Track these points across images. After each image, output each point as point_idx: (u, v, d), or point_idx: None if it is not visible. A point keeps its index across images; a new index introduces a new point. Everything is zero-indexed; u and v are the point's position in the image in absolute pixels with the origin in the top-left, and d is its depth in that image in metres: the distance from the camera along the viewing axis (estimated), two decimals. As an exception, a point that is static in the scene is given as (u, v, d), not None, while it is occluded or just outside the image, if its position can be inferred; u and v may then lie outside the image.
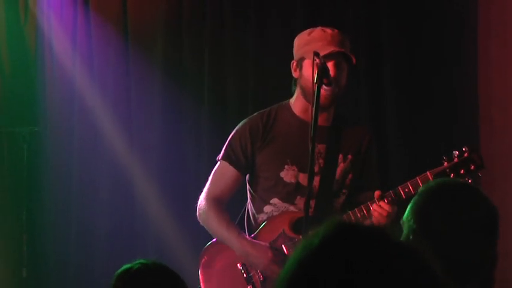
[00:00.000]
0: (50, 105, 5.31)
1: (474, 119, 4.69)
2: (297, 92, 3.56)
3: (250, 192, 3.65)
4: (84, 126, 5.23)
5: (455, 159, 3.30)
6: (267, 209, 3.56)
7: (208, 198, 3.61)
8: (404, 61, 4.78)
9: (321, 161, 3.52)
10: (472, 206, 2.10)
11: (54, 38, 5.30)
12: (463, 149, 3.31)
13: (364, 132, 3.65)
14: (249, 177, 3.63)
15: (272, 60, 4.88)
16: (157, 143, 5.14)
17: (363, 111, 4.80)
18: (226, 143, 3.63)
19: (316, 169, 3.44)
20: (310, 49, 3.37)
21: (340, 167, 3.55)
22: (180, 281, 2.41)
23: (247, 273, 3.51)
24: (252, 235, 3.57)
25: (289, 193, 3.51)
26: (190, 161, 5.07)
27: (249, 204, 3.66)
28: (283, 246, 3.49)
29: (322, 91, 3.27)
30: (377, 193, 3.31)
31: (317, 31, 3.48)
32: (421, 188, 2.20)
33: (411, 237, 2.07)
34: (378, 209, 3.28)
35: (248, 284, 3.52)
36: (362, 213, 3.35)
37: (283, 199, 3.53)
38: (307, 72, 3.41)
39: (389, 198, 3.29)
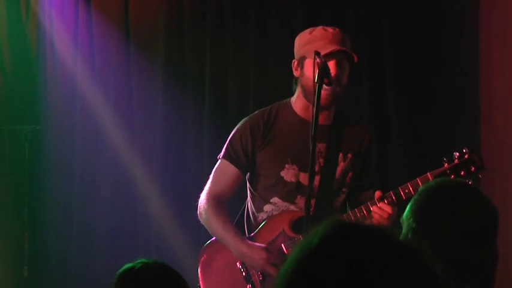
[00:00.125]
0: (52, 103, 5.32)
1: (475, 119, 4.69)
2: (298, 91, 3.55)
3: (250, 190, 3.65)
4: (86, 125, 5.24)
5: (456, 161, 3.30)
6: (267, 208, 3.56)
7: (209, 197, 3.61)
8: (405, 61, 4.78)
9: (321, 160, 3.51)
10: (472, 206, 2.10)
11: (55, 37, 5.31)
12: (464, 150, 3.30)
13: (364, 132, 3.64)
14: (250, 175, 3.63)
15: (272, 60, 4.88)
16: (158, 142, 5.15)
17: (364, 111, 4.80)
18: (227, 142, 3.63)
19: (316, 168, 3.43)
20: (311, 48, 3.37)
21: (341, 166, 3.55)
22: (181, 280, 2.42)
23: (247, 272, 3.51)
24: (252, 234, 3.57)
25: (289, 192, 3.52)
26: (191, 160, 5.07)
27: (249, 202, 3.66)
28: (282, 245, 3.49)
29: (322, 90, 3.27)
30: (377, 194, 3.31)
31: (318, 30, 3.48)
32: (421, 187, 2.20)
33: (410, 236, 2.07)
34: (378, 211, 3.28)
35: (247, 283, 3.52)
36: (362, 214, 3.35)
37: (283, 198, 3.53)
38: (308, 71, 3.41)
39: (390, 199, 3.28)
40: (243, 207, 3.70)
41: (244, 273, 3.52)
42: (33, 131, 5.24)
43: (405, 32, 4.77)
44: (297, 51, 3.53)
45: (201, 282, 3.63)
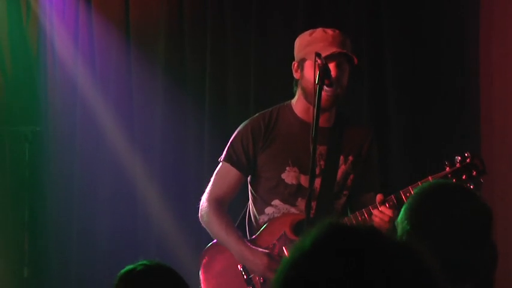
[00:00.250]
0: (52, 104, 5.31)
1: (475, 120, 4.69)
2: (298, 93, 3.55)
3: (251, 193, 3.64)
4: (86, 126, 5.23)
5: (458, 165, 3.30)
6: (268, 210, 3.56)
7: (210, 199, 3.60)
8: (406, 62, 4.77)
9: (322, 162, 3.51)
10: (465, 207, 2.11)
11: (56, 38, 5.30)
12: (466, 154, 3.31)
13: (365, 134, 3.64)
14: (251, 178, 3.63)
15: (273, 60, 4.88)
16: (158, 143, 5.14)
17: (364, 111, 4.80)
18: (228, 144, 3.62)
19: (317, 171, 3.43)
20: (311, 50, 3.37)
21: (341, 168, 3.55)
22: (182, 283, 2.42)
23: (248, 274, 3.51)
24: (253, 237, 3.57)
25: (290, 194, 3.52)
26: (191, 161, 5.07)
27: (251, 205, 3.66)
28: (283, 248, 3.48)
29: (323, 92, 3.27)
30: (379, 197, 3.31)
31: (318, 32, 3.48)
32: (414, 190, 2.21)
33: (405, 238, 2.07)
34: (379, 214, 3.28)
35: (248, 286, 3.51)
36: (363, 217, 3.35)
37: (284, 200, 3.53)
38: (308, 73, 3.41)
39: (391, 203, 3.29)
40: (244, 210, 3.70)
41: (245, 276, 3.52)
42: (33, 132, 5.24)
43: (406, 33, 4.77)
44: (297, 53, 3.53)
45: (202, 284, 3.63)
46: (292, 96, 3.61)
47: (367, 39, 4.80)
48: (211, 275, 3.62)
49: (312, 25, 4.19)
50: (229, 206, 3.67)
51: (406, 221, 2.09)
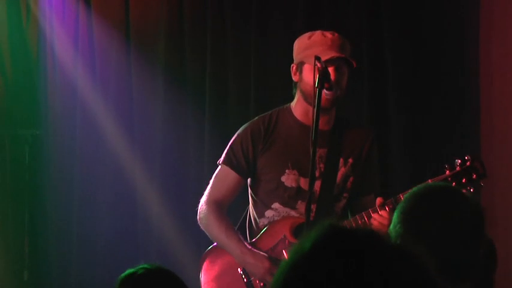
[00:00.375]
0: (52, 107, 5.31)
1: (475, 120, 4.69)
2: (297, 96, 3.55)
3: (251, 196, 3.64)
4: (86, 129, 5.23)
5: (458, 168, 3.30)
6: (268, 213, 3.56)
7: (209, 202, 3.60)
8: (406, 63, 4.77)
9: (321, 165, 3.51)
10: (459, 207, 2.12)
11: (56, 41, 5.30)
12: (466, 157, 3.31)
13: (365, 136, 3.64)
14: (251, 181, 3.63)
15: (273, 61, 4.88)
16: (159, 146, 5.14)
17: (365, 112, 4.79)
18: (228, 147, 3.63)
19: (317, 173, 3.43)
20: (310, 53, 3.37)
21: (341, 171, 3.55)
22: (183, 286, 2.42)
23: (248, 278, 3.51)
24: (253, 240, 3.57)
25: (290, 197, 3.52)
26: (192, 164, 5.06)
27: (251, 208, 3.66)
28: (283, 251, 3.48)
29: (323, 95, 3.27)
30: (378, 201, 3.32)
31: (317, 35, 3.47)
32: (406, 195, 2.22)
33: (399, 242, 2.08)
34: (379, 218, 3.28)
35: (248, 289, 3.53)
36: (363, 220, 3.34)
37: (284, 203, 3.53)
38: (308, 76, 3.42)
39: (391, 206, 3.29)
40: (244, 213, 3.70)
41: (245, 279, 3.51)
42: (33, 136, 5.24)
43: (406, 33, 4.77)
44: (296, 56, 3.53)
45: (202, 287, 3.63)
46: (292, 97, 3.61)
47: (367, 39, 4.80)
48: (212, 278, 3.62)
49: (312, 25, 4.20)
50: (230, 210, 3.67)
51: (399, 225, 2.10)
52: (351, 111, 4.37)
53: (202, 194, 3.67)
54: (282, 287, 1.21)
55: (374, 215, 3.31)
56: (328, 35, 3.46)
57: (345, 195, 3.56)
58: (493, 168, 4.39)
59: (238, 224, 3.69)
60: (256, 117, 3.66)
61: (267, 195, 3.56)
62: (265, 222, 3.56)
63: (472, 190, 3.24)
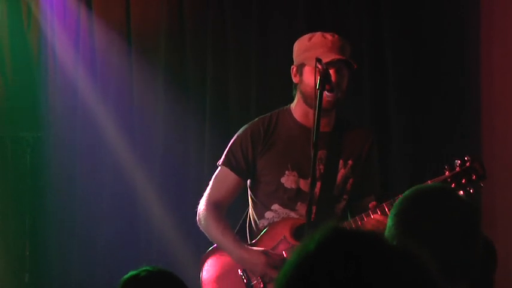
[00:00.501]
0: (53, 110, 5.31)
1: (476, 121, 4.69)
2: (297, 97, 3.55)
3: (251, 198, 3.65)
4: (87, 132, 5.23)
5: (457, 169, 3.29)
6: (268, 215, 3.56)
7: (208, 203, 3.61)
8: (406, 63, 4.77)
9: (321, 166, 3.51)
10: (449, 208, 2.13)
11: (57, 44, 5.30)
12: (465, 158, 3.30)
13: (365, 137, 3.63)
14: (250, 183, 3.63)
15: (274, 63, 4.88)
16: (159, 147, 5.14)
17: (365, 112, 4.80)
18: (227, 149, 3.63)
19: (316, 175, 3.44)
20: (310, 55, 3.37)
21: (341, 172, 3.55)
22: (185, 288, 2.43)
23: (248, 279, 3.52)
24: (253, 241, 3.57)
25: (290, 199, 3.52)
26: (192, 165, 5.06)
27: (251, 210, 3.66)
28: (284, 252, 3.48)
29: (324, 97, 3.27)
30: (371, 205, 3.32)
31: (317, 37, 3.47)
32: (400, 198, 2.22)
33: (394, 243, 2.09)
34: (372, 221, 3.28)
35: (248, 290, 3.53)
36: (363, 222, 3.34)
37: (283, 205, 3.53)
38: (308, 78, 3.42)
39: (387, 209, 3.26)
40: (244, 215, 3.71)
41: (245, 280, 3.52)
42: (35, 138, 5.24)
43: (406, 33, 4.77)
44: (296, 58, 3.53)
45: (203, 289, 3.64)
46: (292, 98, 3.61)
47: (368, 39, 4.80)
48: (212, 279, 3.63)
49: (312, 25, 4.20)
50: (230, 211, 3.67)
51: (393, 227, 2.11)
52: (351, 111, 4.37)
53: (202, 195, 3.68)
54: (286, 287, 1.21)
55: (367, 219, 3.31)
56: (329, 36, 3.46)
57: (344, 196, 3.57)
58: (493, 168, 4.40)
59: (238, 225, 3.69)
60: (256, 119, 3.67)
61: (266, 196, 3.56)
62: (265, 224, 3.57)
63: (471, 191, 3.24)
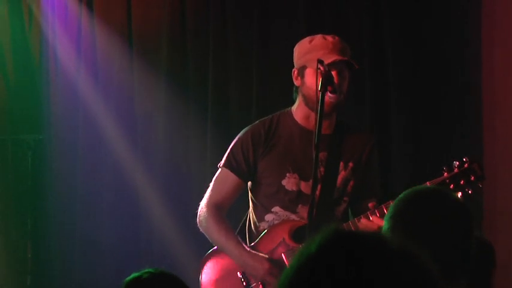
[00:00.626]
0: (55, 112, 5.31)
1: (477, 121, 4.68)
2: (299, 100, 3.55)
3: (252, 200, 3.65)
4: (89, 134, 5.23)
5: (456, 170, 3.29)
6: (268, 217, 3.56)
7: (209, 205, 3.61)
8: (407, 63, 4.77)
9: (322, 169, 3.50)
10: (444, 210, 2.14)
11: (58, 45, 5.30)
12: (464, 159, 3.29)
13: (366, 141, 3.63)
14: (251, 185, 3.63)
15: (275, 65, 4.87)
16: (160, 148, 5.15)
17: (365, 112, 4.80)
18: (228, 151, 3.63)
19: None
20: (311, 57, 3.38)
21: (341, 175, 3.55)
22: (186, 290, 2.44)
23: (247, 282, 3.52)
24: (253, 243, 3.57)
25: (291, 201, 3.52)
26: (194, 166, 5.07)
27: (251, 212, 3.66)
28: (282, 255, 3.49)
29: (326, 98, 3.27)
30: (371, 205, 3.33)
31: (318, 39, 3.47)
32: (395, 200, 2.23)
33: None
34: (367, 223, 3.28)
35: (247, 293, 3.53)
36: (355, 226, 3.35)
37: (284, 207, 3.53)
38: (310, 80, 3.42)
39: (383, 211, 3.26)
40: (245, 217, 3.71)
41: (244, 283, 3.52)
42: (36, 140, 5.24)
43: (406, 33, 4.77)
44: (297, 60, 3.53)
45: (202, 292, 3.64)
46: (293, 100, 3.62)
47: (368, 39, 4.80)
48: (211, 281, 3.63)
49: (312, 25, 4.20)
50: (230, 213, 3.67)
51: (388, 230, 2.12)
52: (351, 111, 4.38)
53: (203, 195, 3.68)
54: (288, 289, 1.22)
55: (363, 220, 3.31)
56: (329, 38, 3.47)
57: (345, 199, 3.56)
58: (494, 169, 4.40)
59: (238, 227, 3.69)
60: (257, 121, 3.67)
61: (267, 198, 3.56)
62: (265, 226, 3.56)
63: (470, 192, 3.24)
